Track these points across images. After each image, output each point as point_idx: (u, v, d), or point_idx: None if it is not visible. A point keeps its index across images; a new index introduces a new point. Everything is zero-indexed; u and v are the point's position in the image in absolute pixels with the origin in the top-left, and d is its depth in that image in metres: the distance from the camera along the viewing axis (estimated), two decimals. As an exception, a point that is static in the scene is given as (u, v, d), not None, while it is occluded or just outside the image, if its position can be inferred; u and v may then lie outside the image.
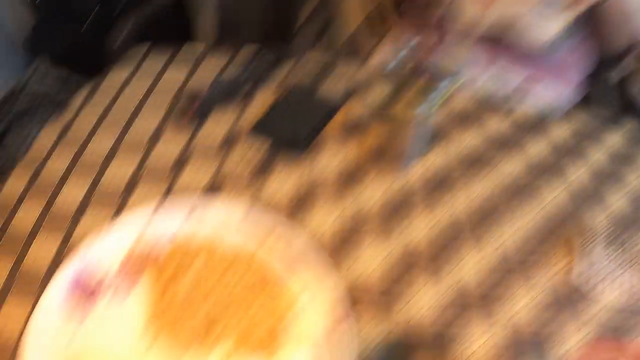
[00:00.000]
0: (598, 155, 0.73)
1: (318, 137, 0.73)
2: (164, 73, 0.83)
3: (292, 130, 0.72)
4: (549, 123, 0.78)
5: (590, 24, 0.94)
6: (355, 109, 0.77)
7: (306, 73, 0.82)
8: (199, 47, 0.88)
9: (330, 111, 0.76)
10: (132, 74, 0.84)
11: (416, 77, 0.63)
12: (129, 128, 0.75)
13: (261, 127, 0.73)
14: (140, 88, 0.81)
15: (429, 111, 0.62)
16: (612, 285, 0.57)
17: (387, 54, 1.05)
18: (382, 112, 0.63)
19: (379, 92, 0.64)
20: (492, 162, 0.71)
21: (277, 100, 0.76)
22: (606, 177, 0.70)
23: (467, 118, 0.77)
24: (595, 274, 0.58)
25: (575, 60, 1.04)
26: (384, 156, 0.70)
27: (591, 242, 0.61)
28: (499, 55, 1.00)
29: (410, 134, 0.65)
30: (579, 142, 0.75)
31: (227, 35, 1.35)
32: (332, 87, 0.80)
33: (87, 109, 0.78)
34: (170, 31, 1.13)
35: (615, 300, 0.56)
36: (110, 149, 0.72)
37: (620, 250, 0.60)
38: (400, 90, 0.63)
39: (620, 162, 0.72)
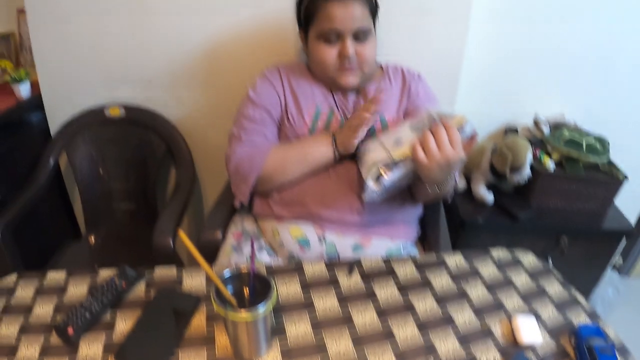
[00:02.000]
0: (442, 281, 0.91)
1: (176, 349, 0.74)
2: (33, 306, 0.83)
3: (149, 353, 0.73)
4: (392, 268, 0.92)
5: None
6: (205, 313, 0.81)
7: (161, 290, 0.85)
8: (61, 274, 0.90)
9: (183, 321, 0.79)
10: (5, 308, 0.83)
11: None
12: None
13: (122, 355, 0.73)
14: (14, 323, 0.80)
15: (266, 311, 0.68)
16: None
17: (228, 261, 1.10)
18: (227, 315, 0.67)
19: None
20: (349, 318, 0.81)
21: (135, 324, 0.78)
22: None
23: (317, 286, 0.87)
24: None
25: (403, 214, 1.13)
26: (239, 352, 0.73)
27: None
28: (328, 227, 1.07)
29: (253, 331, 0.70)
30: (424, 278, 0.91)
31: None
32: (185, 298, 0.84)
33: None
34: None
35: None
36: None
37: None
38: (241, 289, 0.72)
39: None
